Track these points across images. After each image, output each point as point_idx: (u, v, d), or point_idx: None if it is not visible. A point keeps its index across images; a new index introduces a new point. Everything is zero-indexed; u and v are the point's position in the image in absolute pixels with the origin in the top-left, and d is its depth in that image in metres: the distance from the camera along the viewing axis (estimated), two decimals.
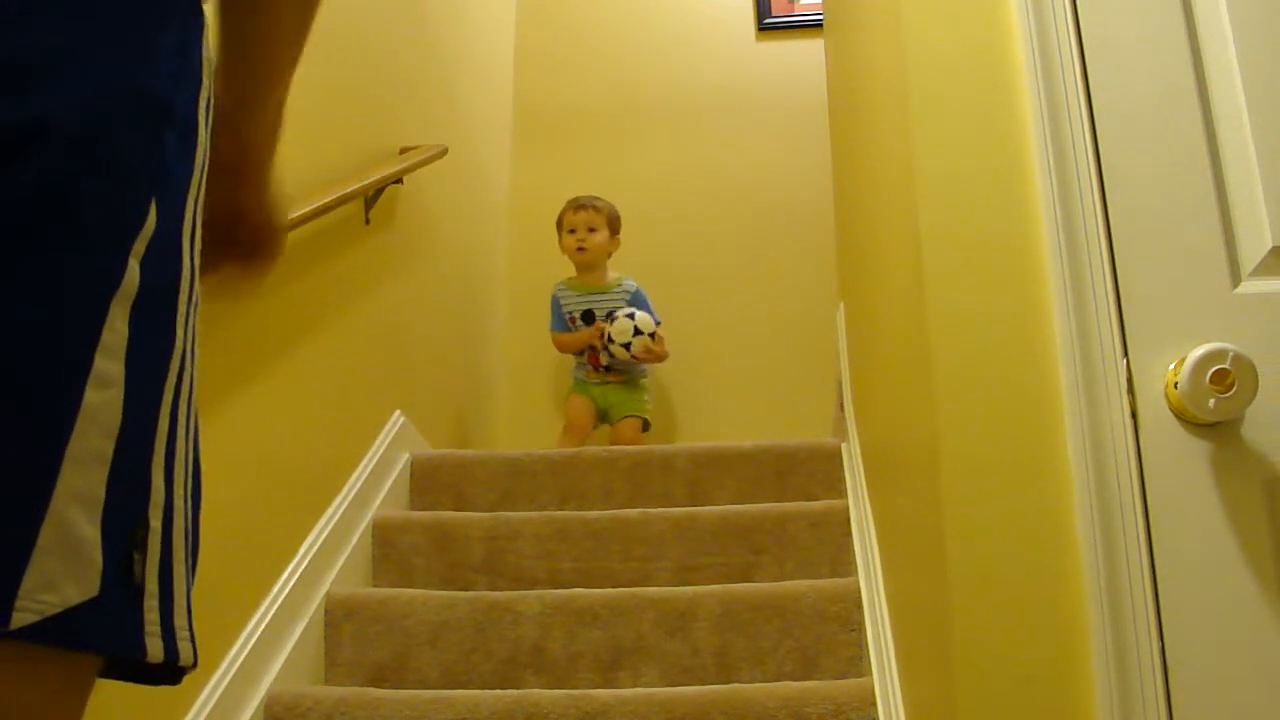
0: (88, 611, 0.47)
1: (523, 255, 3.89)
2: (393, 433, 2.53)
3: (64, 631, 0.47)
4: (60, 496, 0.47)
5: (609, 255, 3.42)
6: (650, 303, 3.39)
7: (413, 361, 2.81)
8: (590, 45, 4.17)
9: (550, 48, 4.18)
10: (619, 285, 3.41)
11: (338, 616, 2.04)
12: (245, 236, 0.82)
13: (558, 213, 3.46)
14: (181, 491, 0.56)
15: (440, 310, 3.10)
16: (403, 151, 2.71)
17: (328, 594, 2.06)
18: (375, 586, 2.27)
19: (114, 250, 0.51)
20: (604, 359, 3.32)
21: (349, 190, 2.23)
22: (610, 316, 3.30)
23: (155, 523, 0.52)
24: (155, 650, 0.51)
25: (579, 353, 3.39)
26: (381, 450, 2.45)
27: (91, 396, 0.48)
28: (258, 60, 0.76)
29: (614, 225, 3.41)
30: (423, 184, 2.86)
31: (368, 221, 2.50)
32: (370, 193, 2.48)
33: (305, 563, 2.01)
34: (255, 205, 0.81)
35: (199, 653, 0.58)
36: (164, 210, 0.54)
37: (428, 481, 2.59)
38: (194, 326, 0.59)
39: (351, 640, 2.03)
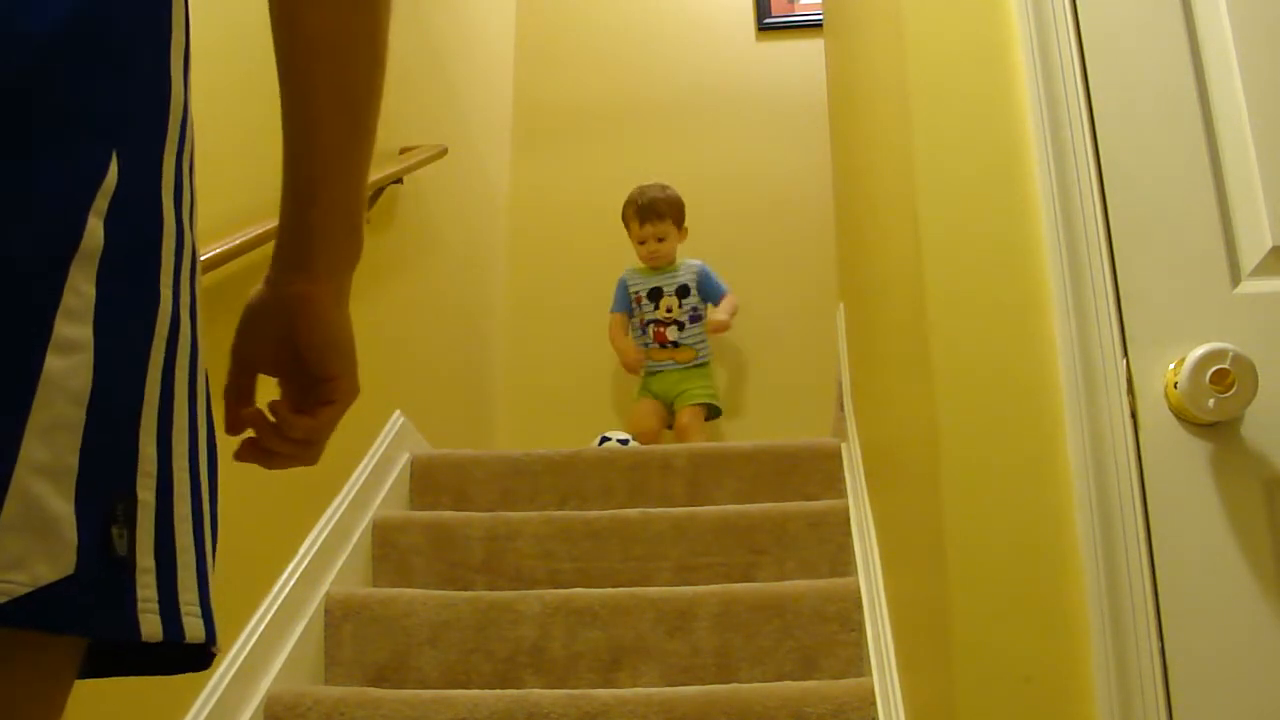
0: (65, 591, 0.44)
1: (523, 255, 3.89)
2: (393, 433, 2.53)
3: (39, 613, 0.43)
4: (24, 468, 0.44)
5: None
6: (717, 277, 3.47)
7: (413, 361, 2.81)
8: (590, 45, 4.17)
9: (550, 47, 4.18)
10: (684, 265, 3.48)
11: (338, 616, 2.04)
12: (318, 371, 0.74)
13: (623, 207, 3.52)
14: (184, 462, 0.52)
15: (440, 310, 3.10)
16: (403, 151, 2.71)
17: (328, 594, 2.06)
18: (375, 586, 2.27)
19: (69, 207, 0.48)
20: (672, 333, 3.38)
21: None
22: (680, 291, 3.39)
23: (146, 495, 0.49)
24: (151, 629, 0.48)
25: (643, 329, 3.44)
26: (381, 450, 2.45)
27: (54, 363, 0.45)
28: (317, 145, 0.71)
29: (679, 220, 3.48)
30: (423, 184, 2.86)
31: (368, 221, 2.50)
32: (370, 193, 2.48)
33: (305, 563, 2.01)
34: (327, 331, 0.74)
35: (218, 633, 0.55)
36: (129, 163, 0.51)
37: (428, 481, 2.59)
38: (191, 288, 0.55)
39: (351, 640, 2.03)
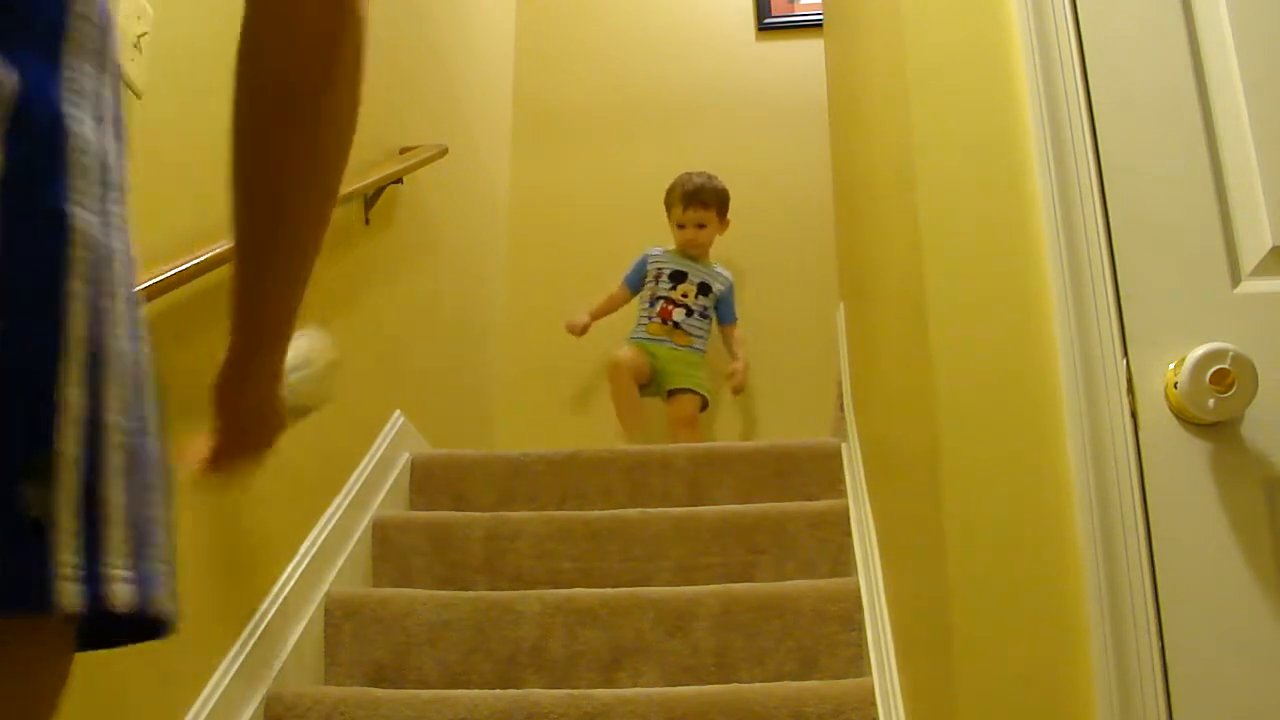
0: None
1: (523, 255, 3.89)
2: (393, 433, 2.53)
3: None
4: None
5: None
6: (734, 302, 3.50)
7: (413, 361, 2.81)
8: (590, 45, 4.17)
9: (550, 48, 4.18)
10: (716, 267, 3.50)
11: (338, 616, 2.04)
12: (249, 426, 0.81)
13: (669, 186, 3.50)
14: (121, 406, 0.46)
15: (440, 310, 3.10)
16: (403, 151, 2.71)
17: (328, 594, 2.06)
18: (375, 586, 2.27)
19: None
20: (678, 315, 3.38)
21: (348, 190, 2.23)
22: (702, 288, 3.40)
23: (69, 447, 0.43)
24: (70, 597, 0.41)
25: (650, 302, 3.43)
26: (381, 450, 2.45)
27: None
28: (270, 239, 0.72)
29: (723, 211, 3.49)
30: (423, 184, 2.86)
31: (367, 221, 2.50)
32: (370, 192, 2.48)
33: (305, 563, 2.00)
34: (261, 398, 0.79)
35: (173, 608, 0.49)
36: (25, 71, 0.44)
37: (427, 481, 2.59)
38: (116, 212, 0.49)
39: (351, 640, 2.03)
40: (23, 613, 0.42)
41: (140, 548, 0.46)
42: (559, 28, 4.21)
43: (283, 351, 0.78)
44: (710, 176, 3.48)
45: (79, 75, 0.48)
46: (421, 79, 2.96)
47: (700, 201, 3.43)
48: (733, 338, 3.47)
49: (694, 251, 3.47)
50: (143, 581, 0.46)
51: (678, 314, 3.40)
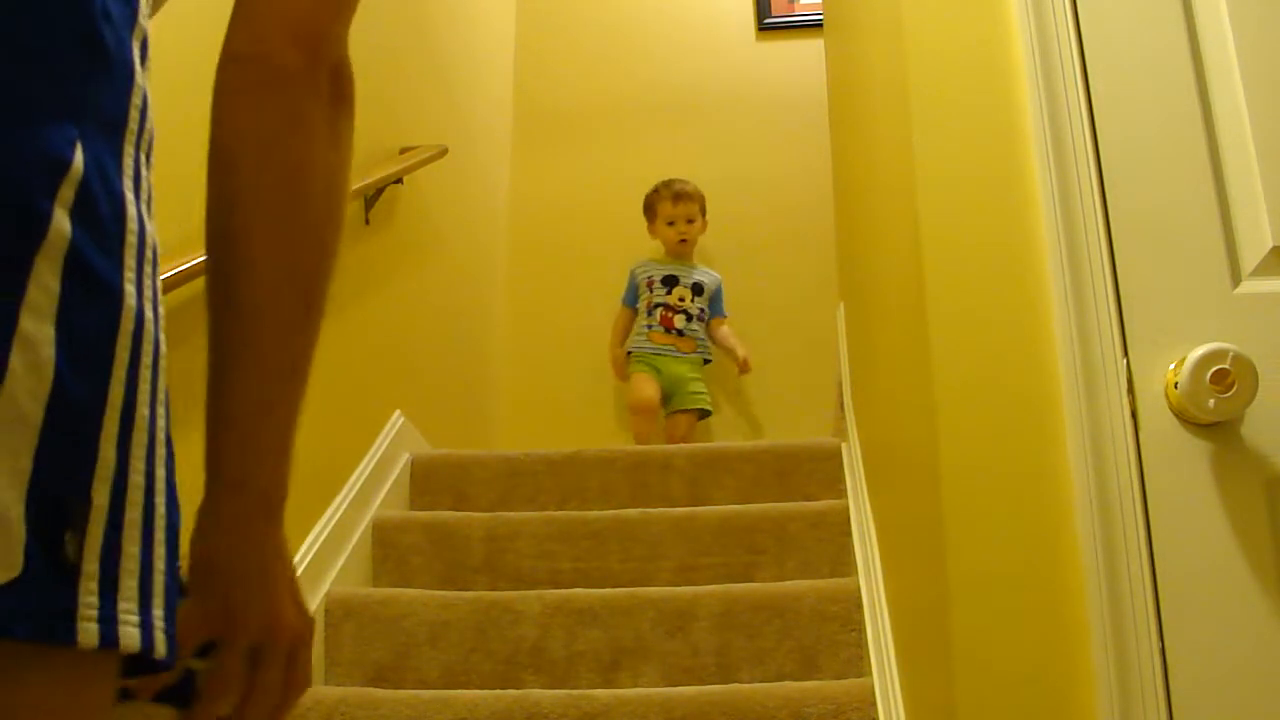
0: (9, 593, 0.43)
1: (523, 255, 3.89)
2: (393, 433, 2.53)
3: None
4: None
5: None
6: (722, 299, 3.54)
7: (413, 361, 2.81)
8: (590, 45, 4.17)
9: (550, 48, 4.18)
10: (702, 267, 3.56)
11: (338, 616, 2.04)
12: (267, 646, 0.61)
13: (647, 197, 3.58)
14: (142, 466, 0.50)
15: (440, 310, 3.10)
16: (403, 151, 2.71)
17: (328, 594, 2.06)
18: (375, 586, 2.27)
19: (35, 196, 0.46)
20: (679, 321, 3.41)
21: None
22: (696, 289, 3.46)
23: (100, 498, 0.47)
24: (88, 637, 0.46)
25: (649, 311, 3.46)
26: (381, 450, 2.45)
27: (16, 359, 0.44)
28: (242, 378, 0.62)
29: (703, 209, 3.57)
30: (422, 184, 2.86)
31: (367, 222, 2.50)
32: (370, 193, 2.48)
33: (305, 563, 2.00)
34: (246, 567, 0.62)
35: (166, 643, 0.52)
36: (93, 152, 0.49)
37: (427, 481, 2.59)
38: (153, 283, 0.54)
39: (351, 640, 2.03)
40: (56, 644, 0.46)
41: (147, 595, 0.50)
42: (559, 28, 4.21)
43: (278, 499, 0.66)
44: (685, 182, 3.57)
45: (130, 159, 0.53)
46: (421, 79, 2.96)
47: (686, 197, 3.52)
48: (722, 332, 3.50)
49: (683, 251, 3.52)
50: (147, 626, 0.50)
51: (679, 320, 3.43)
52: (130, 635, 0.48)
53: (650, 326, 3.45)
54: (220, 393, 0.62)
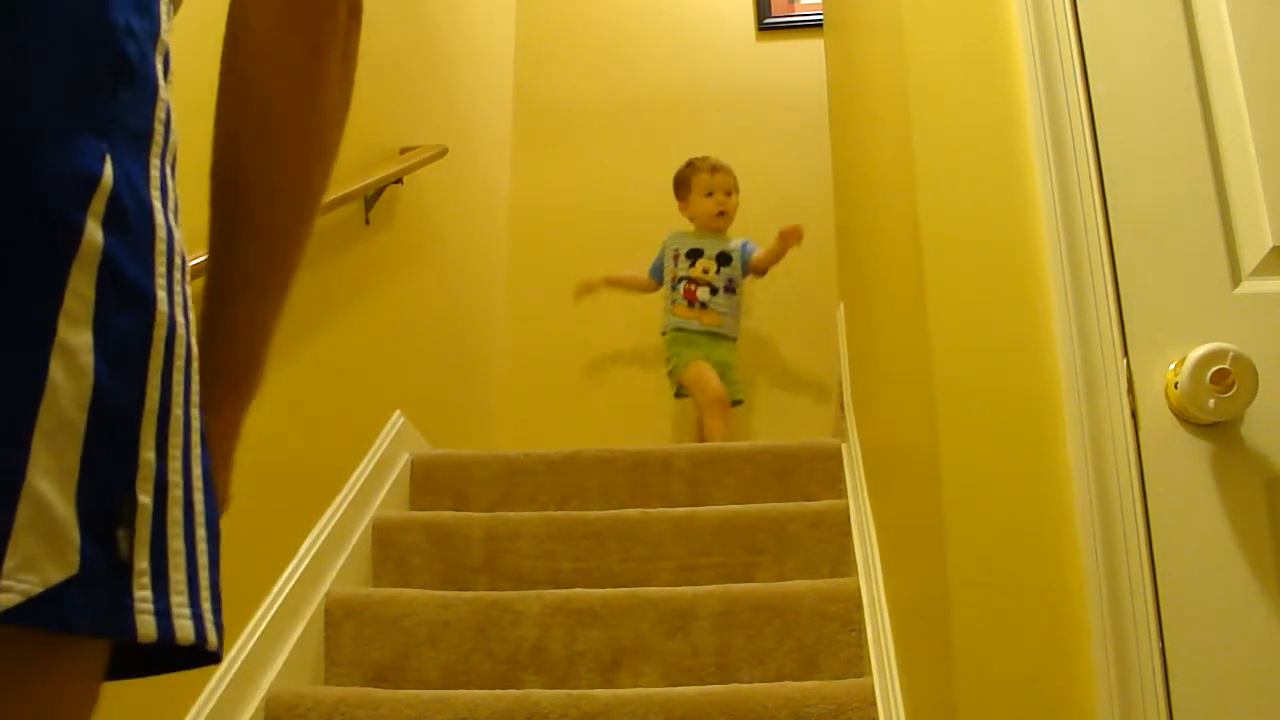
0: (69, 591, 0.45)
1: (523, 255, 3.89)
2: (393, 433, 2.53)
3: (46, 613, 0.44)
4: (34, 471, 0.45)
5: None
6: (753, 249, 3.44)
7: (413, 361, 2.81)
8: (590, 45, 4.17)
9: (550, 47, 4.18)
10: (733, 239, 3.45)
11: (338, 616, 2.04)
12: None
13: (679, 172, 3.49)
14: (179, 465, 0.53)
15: (440, 310, 3.10)
16: (403, 151, 2.71)
17: (328, 594, 2.06)
18: (375, 586, 2.27)
19: (68, 209, 0.48)
20: (702, 294, 3.35)
21: (349, 190, 2.23)
22: (721, 258, 3.37)
23: (145, 498, 0.50)
24: (147, 629, 0.49)
25: (674, 285, 3.40)
26: (381, 450, 2.45)
27: (57, 367, 0.46)
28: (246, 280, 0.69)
29: (737, 186, 3.49)
30: (422, 184, 2.86)
31: (367, 222, 2.50)
32: (370, 193, 2.48)
33: (305, 563, 2.01)
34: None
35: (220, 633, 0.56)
36: (121, 165, 0.51)
37: (427, 481, 2.59)
38: (183, 289, 0.56)
39: (351, 640, 2.03)
40: (117, 639, 0.49)
41: (195, 589, 0.53)
42: (559, 28, 4.21)
43: (245, 400, 0.71)
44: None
45: (156, 171, 0.55)
46: (421, 79, 2.96)
47: (725, 168, 3.45)
48: (758, 255, 3.39)
49: (720, 225, 3.43)
50: (197, 619, 0.53)
51: (702, 293, 3.36)
52: (185, 628, 0.51)
53: (674, 301, 3.39)
54: (225, 300, 0.68)
